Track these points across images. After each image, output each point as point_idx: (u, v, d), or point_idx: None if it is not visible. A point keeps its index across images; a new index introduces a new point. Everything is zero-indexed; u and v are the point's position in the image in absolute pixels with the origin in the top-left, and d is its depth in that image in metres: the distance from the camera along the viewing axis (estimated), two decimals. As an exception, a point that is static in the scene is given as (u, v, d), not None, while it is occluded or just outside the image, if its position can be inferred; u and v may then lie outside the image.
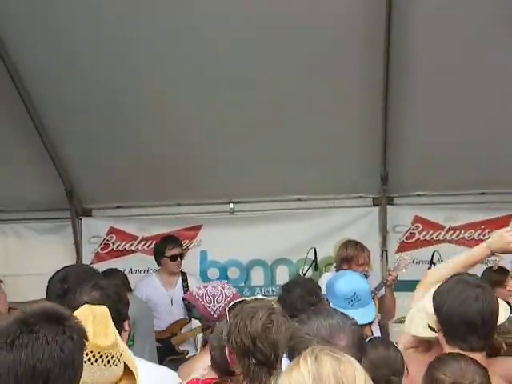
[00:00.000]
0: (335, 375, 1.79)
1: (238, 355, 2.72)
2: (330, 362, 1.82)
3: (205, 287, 3.99)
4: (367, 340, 3.68)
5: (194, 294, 3.94)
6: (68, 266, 4.28)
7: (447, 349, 3.16)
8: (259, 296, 5.64)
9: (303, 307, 4.19)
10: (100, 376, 2.32)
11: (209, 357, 3.24)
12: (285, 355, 2.34)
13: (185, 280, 6.77)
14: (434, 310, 3.19)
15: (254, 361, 2.65)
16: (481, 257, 3.71)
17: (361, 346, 2.39)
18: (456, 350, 3.11)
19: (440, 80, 5.96)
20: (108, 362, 2.34)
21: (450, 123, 6.29)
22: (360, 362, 2.29)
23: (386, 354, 3.41)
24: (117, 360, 2.37)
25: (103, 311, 2.57)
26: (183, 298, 4.06)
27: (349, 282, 4.26)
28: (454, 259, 3.77)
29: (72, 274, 3.91)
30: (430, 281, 3.59)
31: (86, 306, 2.61)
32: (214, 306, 3.80)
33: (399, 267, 6.18)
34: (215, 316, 3.74)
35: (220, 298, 3.86)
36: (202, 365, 3.43)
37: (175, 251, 6.72)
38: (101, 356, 2.32)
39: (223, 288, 3.96)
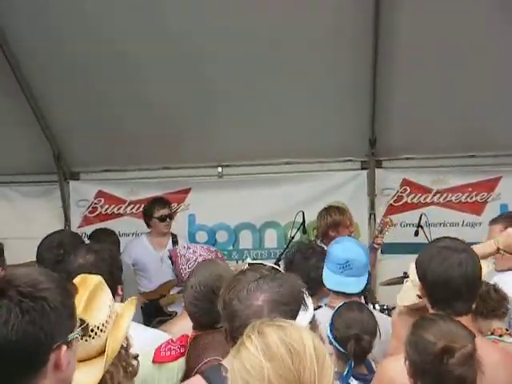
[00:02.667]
0: (283, 342, 1.77)
1: None
2: (273, 331, 1.80)
3: (189, 248, 4.03)
4: (342, 304, 3.77)
5: (177, 250, 4.03)
6: (57, 232, 4.29)
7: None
8: (248, 260, 5.66)
9: (315, 278, 4.12)
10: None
11: (186, 319, 3.28)
12: None
13: (175, 242, 6.77)
14: (418, 277, 3.19)
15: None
16: (489, 252, 3.73)
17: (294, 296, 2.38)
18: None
19: (430, 44, 5.92)
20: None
21: (440, 86, 6.27)
22: (296, 314, 2.33)
23: (358, 316, 3.61)
24: (95, 333, 2.21)
25: (97, 281, 2.42)
26: (169, 251, 4.15)
27: (345, 249, 4.17)
28: None
29: (66, 239, 3.92)
30: None
31: (81, 276, 2.43)
32: (186, 269, 3.85)
33: (383, 231, 6.19)
34: (184, 278, 3.76)
35: (192, 263, 3.89)
36: (181, 327, 3.45)
37: (163, 212, 6.72)
38: None
39: (200, 256, 3.96)
